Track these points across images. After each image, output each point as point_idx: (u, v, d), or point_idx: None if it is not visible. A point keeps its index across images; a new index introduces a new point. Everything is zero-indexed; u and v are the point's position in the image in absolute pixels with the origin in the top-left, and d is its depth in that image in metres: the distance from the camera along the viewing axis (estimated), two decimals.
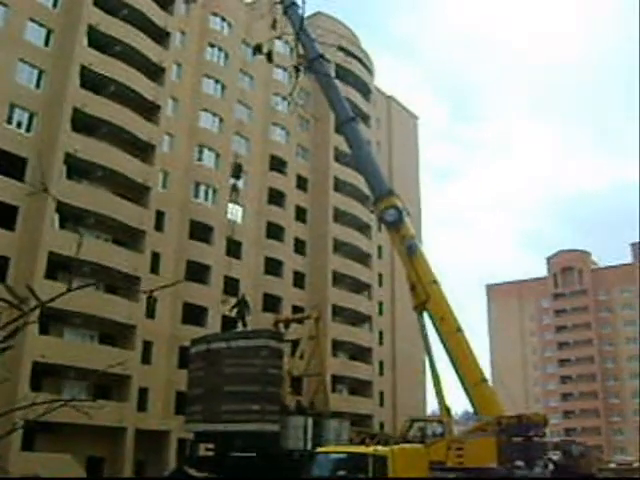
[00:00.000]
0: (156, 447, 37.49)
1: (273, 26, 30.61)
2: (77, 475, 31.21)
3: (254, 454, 26.10)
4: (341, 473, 17.57)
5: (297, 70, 27.79)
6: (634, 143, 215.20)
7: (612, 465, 55.20)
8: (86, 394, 32.66)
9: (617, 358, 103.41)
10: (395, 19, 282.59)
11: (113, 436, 34.90)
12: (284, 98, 50.67)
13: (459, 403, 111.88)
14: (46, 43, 36.92)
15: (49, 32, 37.06)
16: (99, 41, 38.07)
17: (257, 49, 30.29)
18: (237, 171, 39.25)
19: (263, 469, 24.74)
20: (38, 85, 36.17)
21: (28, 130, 35.26)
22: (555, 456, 28.84)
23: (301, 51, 30.77)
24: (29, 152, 34.37)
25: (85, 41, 37.42)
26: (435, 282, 27.62)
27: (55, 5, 37.75)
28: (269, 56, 30.80)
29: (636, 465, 49.45)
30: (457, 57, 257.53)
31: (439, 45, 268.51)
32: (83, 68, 36.60)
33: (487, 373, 28.52)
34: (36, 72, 36.13)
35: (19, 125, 34.98)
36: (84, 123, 36.42)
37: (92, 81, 37.18)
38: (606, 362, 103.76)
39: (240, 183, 42.81)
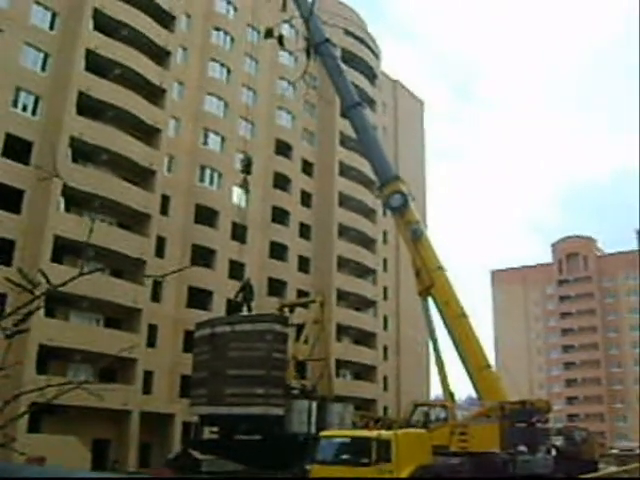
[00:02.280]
0: (161, 430, 37.79)
1: (283, 8, 30.49)
2: (83, 457, 31.46)
3: (258, 437, 26.29)
4: (344, 457, 17.72)
5: (308, 53, 27.67)
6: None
7: (614, 451, 55.39)
8: (92, 377, 32.86)
9: (621, 345, 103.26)
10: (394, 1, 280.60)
11: (118, 419, 35.13)
12: (290, 82, 50.45)
13: (463, 388, 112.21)
14: (51, 26, 36.80)
15: (54, 15, 36.93)
16: (104, 24, 37.94)
17: (268, 33, 30.02)
18: (247, 166, 38.85)
19: (267, 452, 24.91)
20: (43, 68, 36.11)
21: (34, 113, 35.23)
22: (558, 442, 29.04)
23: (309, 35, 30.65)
24: (35, 135, 34.40)
25: (91, 24, 37.30)
26: (440, 268, 27.63)
27: None
28: (280, 40, 30.56)
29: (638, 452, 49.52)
30: (457, 40, 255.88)
31: (440, 27, 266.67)
32: (88, 51, 36.51)
33: (491, 359, 28.64)
34: (41, 55, 36.05)
35: (24, 108, 34.96)
36: (89, 107, 36.37)
37: (97, 64, 37.08)
38: (610, 349, 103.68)
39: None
